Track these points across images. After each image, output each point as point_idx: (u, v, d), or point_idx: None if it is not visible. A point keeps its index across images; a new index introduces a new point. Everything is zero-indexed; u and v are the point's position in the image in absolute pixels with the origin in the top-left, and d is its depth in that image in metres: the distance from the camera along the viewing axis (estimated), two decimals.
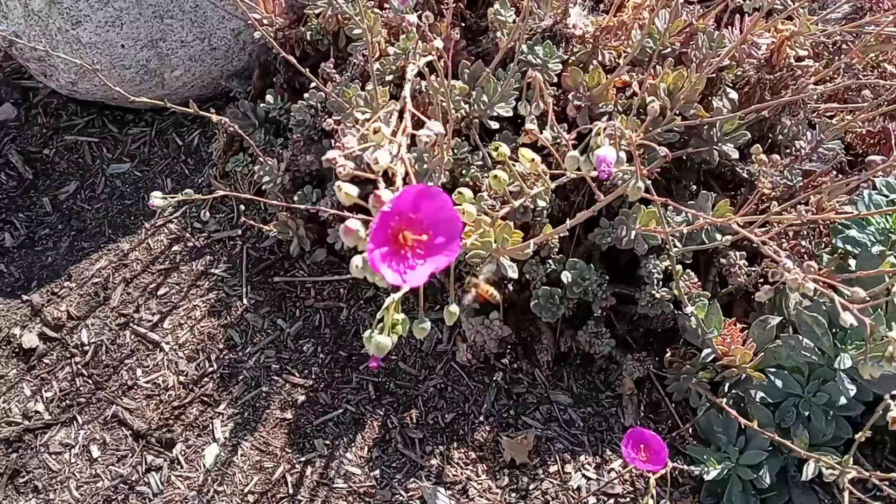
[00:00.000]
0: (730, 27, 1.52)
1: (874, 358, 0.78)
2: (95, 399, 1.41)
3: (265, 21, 1.61)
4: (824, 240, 1.50)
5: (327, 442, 1.37)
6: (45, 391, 1.42)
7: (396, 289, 0.63)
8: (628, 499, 1.36)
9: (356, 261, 0.59)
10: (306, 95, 1.49)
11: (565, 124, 1.43)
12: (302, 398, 1.42)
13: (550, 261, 1.43)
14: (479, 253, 1.28)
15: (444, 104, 1.37)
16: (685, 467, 1.38)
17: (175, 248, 1.58)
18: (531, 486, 1.36)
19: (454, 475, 1.35)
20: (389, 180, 0.64)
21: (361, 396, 1.43)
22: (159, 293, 1.52)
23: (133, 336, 1.47)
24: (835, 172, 1.55)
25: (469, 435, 1.40)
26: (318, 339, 1.49)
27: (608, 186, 1.41)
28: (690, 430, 1.44)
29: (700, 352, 1.40)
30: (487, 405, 1.43)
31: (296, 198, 1.51)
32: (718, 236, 1.43)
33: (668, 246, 1.29)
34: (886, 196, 1.41)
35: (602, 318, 1.46)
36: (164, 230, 1.61)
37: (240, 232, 1.59)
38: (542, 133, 0.94)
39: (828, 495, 1.39)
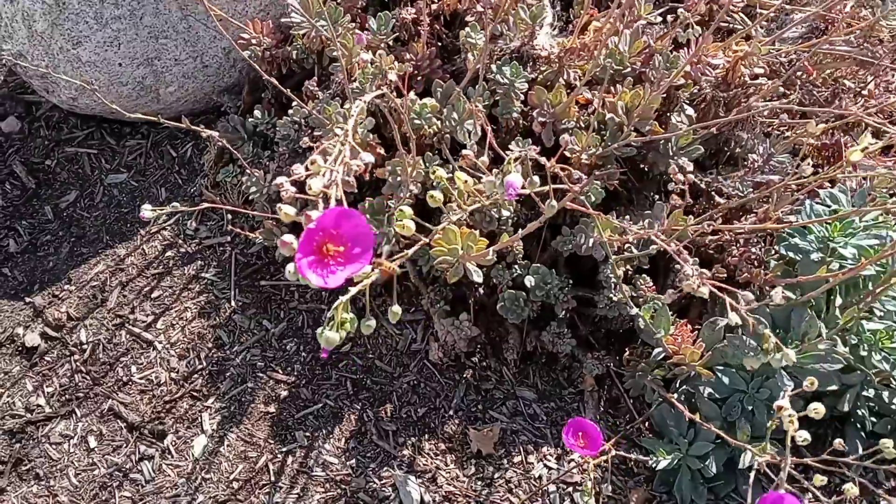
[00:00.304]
0: (686, 48, 1.63)
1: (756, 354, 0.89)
2: (93, 394, 1.52)
3: (253, 41, 1.72)
4: (774, 247, 1.61)
5: (307, 434, 1.48)
6: (47, 386, 1.53)
7: (344, 290, 0.74)
8: (587, 489, 1.46)
9: (289, 267, 0.70)
10: (290, 111, 1.60)
11: (530, 139, 1.53)
12: (284, 393, 1.52)
13: (516, 266, 1.54)
14: (447, 259, 1.38)
15: (415, 122, 1.48)
16: (640, 457, 1.49)
17: (168, 253, 1.69)
18: (496, 475, 1.46)
19: (424, 465, 1.46)
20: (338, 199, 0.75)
21: (340, 392, 1.53)
22: (153, 296, 1.63)
23: (128, 335, 1.58)
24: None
25: (439, 428, 1.51)
26: (300, 338, 1.59)
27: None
28: (646, 423, 1.55)
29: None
30: (457, 400, 1.54)
31: (273, 212, 1.62)
32: (673, 244, 1.53)
33: (610, 255, 1.39)
34: (828, 206, 1.52)
35: (565, 319, 1.57)
36: (159, 237, 1.72)
37: (229, 239, 1.70)
38: (478, 158, 1.04)
39: (771, 483, 1.49)
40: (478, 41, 1.56)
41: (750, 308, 1.51)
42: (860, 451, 1.51)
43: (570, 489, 1.46)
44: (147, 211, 1.05)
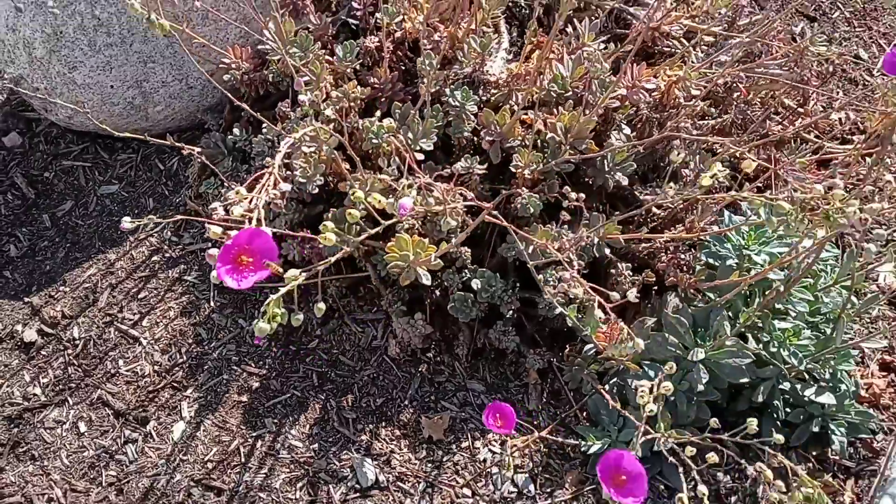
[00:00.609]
0: (624, 74, 1.79)
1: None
2: (84, 384, 1.69)
3: (233, 65, 1.89)
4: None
5: (275, 420, 1.65)
6: (42, 377, 1.70)
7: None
8: (525, 470, 1.63)
9: (213, 273, 0.87)
10: (264, 129, 1.77)
11: (477, 156, 1.70)
12: (256, 384, 1.69)
13: (466, 271, 1.70)
14: (399, 264, 1.55)
15: (373, 141, 1.65)
16: (576, 443, 1.65)
17: (154, 258, 1.86)
18: (444, 459, 1.63)
19: (380, 448, 1.62)
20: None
21: (306, 384, 1.70)
22: (140, 296, 1.80)
23: (116, 332, 1.75)
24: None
25: (395, 416, 1.67)
26: (272, 336, 1.76)
27: (513, 213, 1.69)
28: (583, 413, 1.71)
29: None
30: (412, 391, 1.70)
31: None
32: (607, 251, 1.70)
33: (536, 261, 1.56)
34: (745, 217, 1.68)
35: (511, 319, 1.73)
36: (146, 243, 1.89)
37: (210, 245, 1.87)
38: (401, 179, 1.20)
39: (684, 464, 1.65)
40: (430, 69, 1.72)
41: (675, 309, 1.69)
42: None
43: (511, 472, 1.62)
44: (126, 223, 1.22)
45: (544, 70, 1.80)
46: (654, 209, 1.82)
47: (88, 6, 1.80)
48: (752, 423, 1.17)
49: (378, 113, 1.81)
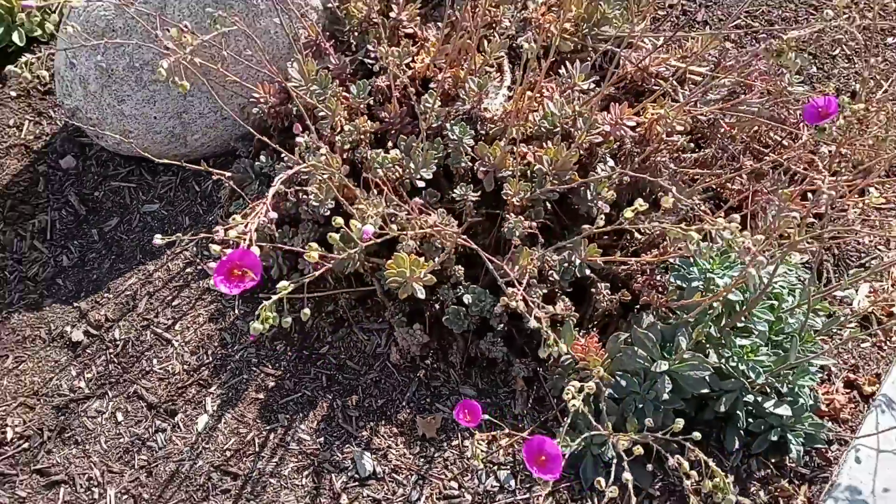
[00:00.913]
0: (606, 112, 1.98)
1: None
2: (122, 380, 1.92)
3: (262, 100, 2.12)
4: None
5: (287, 416, 1.86)
6: (87, 373, 1.94)
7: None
8: (508, 466, 1.81)
9: (212, 281, 1.09)
10: (285, 158, 1.99)
11: (472, 185, 1.90)
12: (272, 384, 1.90)
13: (460, 287, 1.90)
14: (397, 279, 1.76)
15: (378, 172, 1.86)
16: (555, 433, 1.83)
17: (188, 270, 2.09)
18: (436, 454, 1.82)
19: (379, 444, 1.83)
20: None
21: (316, 384, 1.91)
22: (173, 304, 2.04)
23: (152, 335, 1.99)
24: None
25: (394, 416, 1.87)
26: (288, 341, 1.98)
27: (504, 235, 1.88)
28: (563, 417, 1.89)
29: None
30: (410, 394, 1.90)
31: (277, 234, 2.01)
32: (587, 271, 1.89)
33: (509, 279, 1.75)
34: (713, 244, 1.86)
35: (502, 332, 1.92)
36: (181, 256, 2.12)
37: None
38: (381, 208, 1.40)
39: (661, 470, 1.82)
40: (431, 106, 1.93)
41: (647, 325, 1.86)
42: (737, 445, 1.83)
43: (495, 468, 1.81)
44: (158, 239, 1.44)
45: (536, 107, 2.00)
46: (637, 234, 2.00)
47: (136, 48, 2.05)
48: (696, 435, 1.34)
49: (390, 144, 2.03)
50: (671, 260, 1.86)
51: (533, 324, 1.37)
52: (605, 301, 1.89)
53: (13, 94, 2.52)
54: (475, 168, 1.95)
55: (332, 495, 1.75)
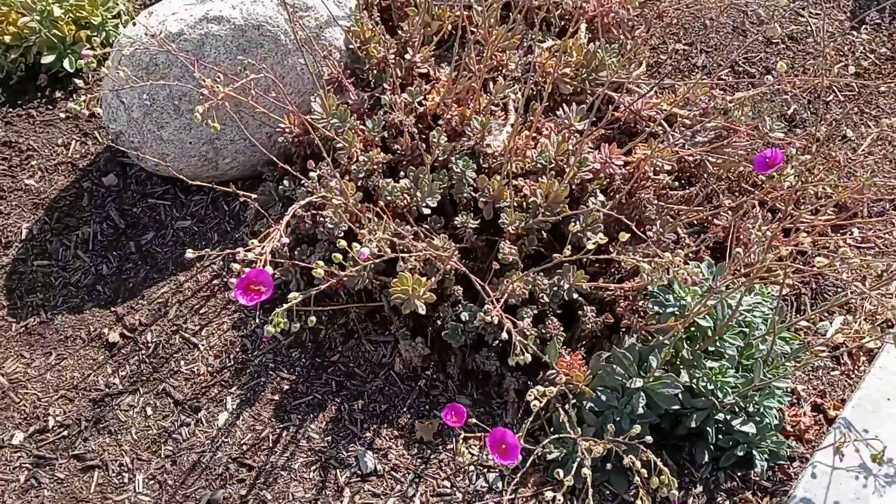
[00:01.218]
0: (596, 152, 2.18)
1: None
2: (152, 378, 2.13)
3: (287, 130, 2.34)
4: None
5: (299, 416, 2.06)
6: (121, 371, 2.15)
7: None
8: (497, 470, 2.00)
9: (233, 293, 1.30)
10: (304, 183, 2.21)
11: (473, 213, 2.10)
12: (286, 387, 2.11)
13: (459, 305, 2.10)
14: (400, 296, 1.96)
15: (387, 198, 2.07)
16: (540, 451, 2.01)
17: (215, 281, 2.31)
18: (432, 456, 2.01)
19: (380, 444, 2.02)
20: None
21: (326, 389, 2.11)
22: (201, 311, 2.25)
23: (180, 339, 2.20)
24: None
25: (395, 420, 2.07)
26: (303, 349, 2.18)
27: (498, 259, 2.08)
28: (550, 427, 2.07)
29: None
30: (410, 401, 2.10)
31: (296, 252, 2.22)
32: (575, 295, 2.08)
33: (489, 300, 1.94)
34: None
35: (496, 347, 2.11)
36: (209, 269, 2.34)
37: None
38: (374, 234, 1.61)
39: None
40: (439, 141, 2.14)
41: (628, 346, 2.04)
42: (707, 459, 2.00)
43: (485, 470, 2.00)
44: (189, 253, 1.66)
45: (534, 145, 2.20)
46: (623, 262, 2.19)
47: (175, 80, 2.28)
48: (648, 438, 1.52)
49: (401, 174, 2.24)
50: (650, 287, 2.04)
51: (504, 336, 1.56)
52: (591, 323, 2.07)
53: (62, 115, 2.76)
54: (476, 198, 2.15)
55: (336, 488, 1.94)
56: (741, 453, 1.98)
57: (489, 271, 2.14)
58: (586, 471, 1.48)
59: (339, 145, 2.17)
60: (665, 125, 2.39)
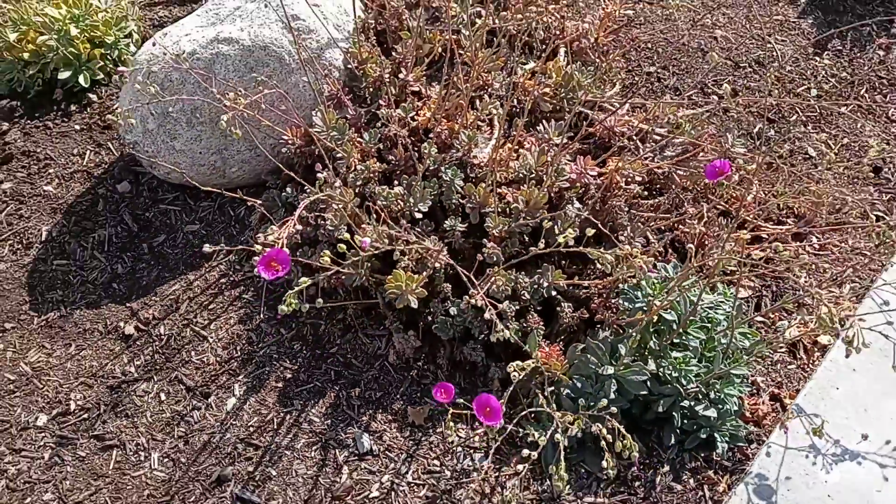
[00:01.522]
0: (573, 163, 2.40)
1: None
2: (165, 367, 2.32)
3: (290, 142, 2.54)
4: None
5: (301, 402, 2.25)
6: (136, 361, 2.33)
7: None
8: (482, 450, 2.19)
9: (255, 271, 1.50)
10: (307, 190, 2.41)
11: (460, 218, 2.31)
12: (289, 375, 2.30)
13: (448, 301, 2.30)
14: (395, 292, 2.16)
15: (381, 203, 2.27)
16: (522, 431, 2.21)
17: (222, 280, 2.50)
18: (422, 438, 2.20)
19: (376, 427, 2.21)
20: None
21: (326, 377, 2.30)
22: (209, 307, 2.44)
23: (191, 332, 2.39)
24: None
25: (389, 406, 2.26)
26: (304, 342, 2.37)
27: (483, 257, 2.28)
28: (532, 413, 2.27)
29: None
30: (403, 389, 2.29)
31: (298, 253, 2.42)
32: (554, 292, 2.29)
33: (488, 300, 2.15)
34: (657, 270, 2.25)
35: (482, 340, 2.31)
36: (217, 269, 2.53)
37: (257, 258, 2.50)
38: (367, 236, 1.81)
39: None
40: (430, 153, 2.34)
41: (602, 339, 2.25)
42: (673, 441, 2.20)
43: (471, 451, 2.19)
44: (206, 248, 1.85)
45: (517, 157, 2.42)
46: (597, 264, 2.40)
47: (188, 95, 2.48)
48: (613, 409, 1.72)
49: (395, 182, 2.44)
50: (622, 285, 2.25)
51: (487, 315, 1.76)
52: (568, 318, 2.28)
53: (77, 127, 2.96)
54: (464, 204, 2.36)
55: (335, 466, 2.13)
56: (704, 436, 2.18)
57: (472, 270, 2.34)
58: (559, 436, 1.67)
59: (338, 155, 2.38)
60: (636, 140, 2.61)
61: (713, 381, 2.18)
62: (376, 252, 2.12)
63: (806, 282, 2.77)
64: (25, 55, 3.02)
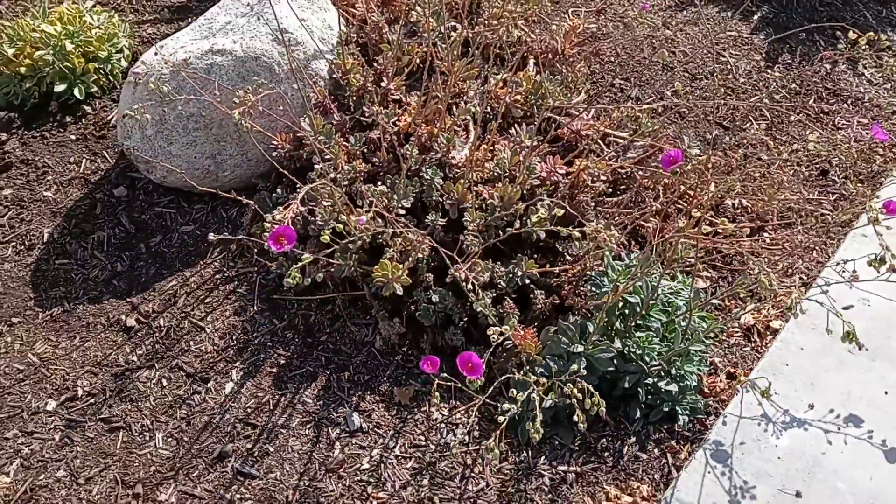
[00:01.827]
0: (543, 163, 2.60)
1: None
2: (166, 356, 2.47)
3: (279, 147, 2.72)
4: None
5: (294, 385, 2.41)
6: (138, 350, 2.49)
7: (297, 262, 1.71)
8: (465, 427, 2.37)
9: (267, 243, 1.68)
10: (299, 188, 2.58)
11: (440, 213, 2.50)
12: (283, 361, 2.46)
13: (430, 290, 2.48)
14: (381, 280, 2.34)
15: (368, 199, 2.46)
16: (499, 405, 2.39)
17: (217, 276, 2.67)
18: (408, 416, 2.38)
19: (365, 407, 2.38)
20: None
21: (317, 363, 2.47)
22: (206, 301, 2.60)
23: (189, 323, 2.55)
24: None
25: (377, 387, 2.43)
26: (296, 331, 2.54)
27: (463, 248, 2.47)
28: (508, 391, 2.45)
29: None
30: (389, 372, 2.47)
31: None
32: (528, 280, 2.48)
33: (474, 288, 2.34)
34: (622, 261, 2.46)
35: (462, 326, 2.49)
36: (212, 266, 2.70)
37: (256, 268, 2.68)
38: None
39: (580, 434, 2.38)
40: (411, 154, 2.54)
41: (572, 322, 2.44)
42: (639, 415, 2.40)
43: (454, 427, 2.37)
44: (211, 236, 2.03)
45: (491, 158, 2.62)
46: (567, 255, 2.60)
47: (184, 102, 2.66)
48: (583, 371, 1.91)
49: (379, 182, 2.63)
50: (590, 273, 2.46)
51: (468, 286, 1.95)
52: (541, 304, 2.48)
53: (73, 137, 3.11)
54: (443, 201, 2.55)
55: (328, 442, 2.30)
56: (667, 409, 2.38)
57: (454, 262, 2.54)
58: (534, 395, 1.86)
59: (326, 157, 2.56)
60: (601, 143, 2.83)
61: (674, 359, 2.38)
62: (366, 242, 2.31)
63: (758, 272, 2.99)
64: (22, 69, 3.17)
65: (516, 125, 2.72)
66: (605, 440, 2.38)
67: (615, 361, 2.34)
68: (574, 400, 1.86)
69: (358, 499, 2.20)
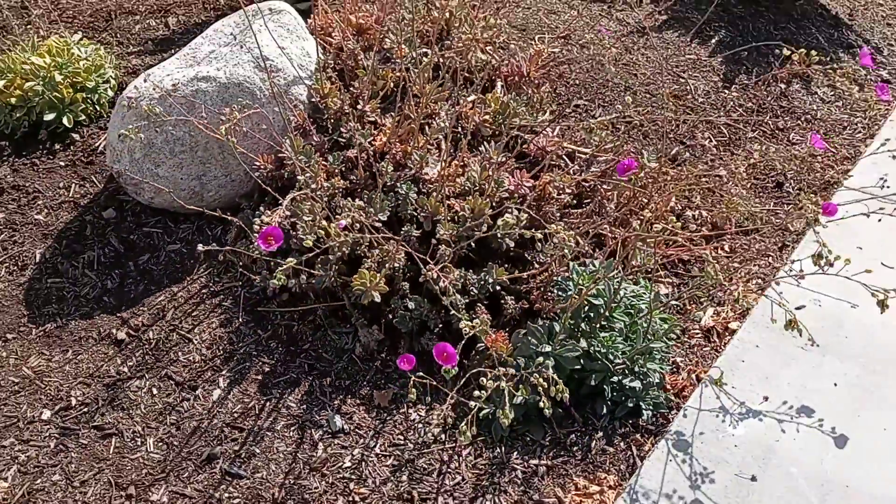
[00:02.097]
0: (511, 177, 2.77)
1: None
2: (155, 366, 2.59)
3: (261, 167, 2.87)
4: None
5: (279, 391, 2.54)
6: (129, 362, 2.61)
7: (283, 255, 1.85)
8: (441, 425, 2.50)
9: (257, 242, 1.82)
10: (282, 203, 2.73)
11: (415, 226, 2.65)
12: (267, 369, 2.59)
13: (407, 298, 2.62)
14: (360, 288, 2.49)
15: (348, 213, 2.61)
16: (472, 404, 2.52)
17: (203, 291, 2.80)
18: (387, 418, 2.51)
19: (346, 410, 2.51)
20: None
21: (300, 370, 2.60)
22: (193, 314, 2.73)
23: (177, 335, 2.67)
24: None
25: (357, 391, 2.56)
26: (279, 340, 2.67)
27: (436, 256, 2.62)
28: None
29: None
30: (369, 377, 2.60)
31: (272, 264, 2.72)
32: (498, 287, 2.63)
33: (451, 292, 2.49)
34: (586, 266, 2.62)
35: (437, 332, 2.63)
36: (198, 281, 2.83)
37: (240, 283, 2.81)
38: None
39: (551, 429, 2.51)
40: (387, 170, 2.70)
41: (540, 324, 2.59)
42: (605, 411, 2.54)
43: (431, 427, 2.50)
44: (200, 247, 2.17)
45: (462, 173, 2.78)
46: (535, 263, 2.76)
47: (171, 125, 2.81)
48: (549, 362, 2.06)
49: (357, 198, 2.78)
50: (556, 279, 2.61)
51: (442, 285, 2.09)
52: (511, 309, 2.63)
53: (62, 163, 3.25)
54: (417, 214, 2.70)
55: (312, 443, 2.42)
56: (631, 405, 2.53)
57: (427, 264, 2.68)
58: (504, 385, 2.00)
59: (307, 175, 2.71)
60: (566, 159, 3.00)
61: (637, 357, 2.53)
62: (345, 254, 2.45)
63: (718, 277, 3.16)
64: (13, 100, 3.31)
65: (485, 143, 2.89)
66: (573, 435, 2.51)
67: (582, 360, 2.49)
68: (540, 389, 2.00)
69: (341, 495, 2.32)
